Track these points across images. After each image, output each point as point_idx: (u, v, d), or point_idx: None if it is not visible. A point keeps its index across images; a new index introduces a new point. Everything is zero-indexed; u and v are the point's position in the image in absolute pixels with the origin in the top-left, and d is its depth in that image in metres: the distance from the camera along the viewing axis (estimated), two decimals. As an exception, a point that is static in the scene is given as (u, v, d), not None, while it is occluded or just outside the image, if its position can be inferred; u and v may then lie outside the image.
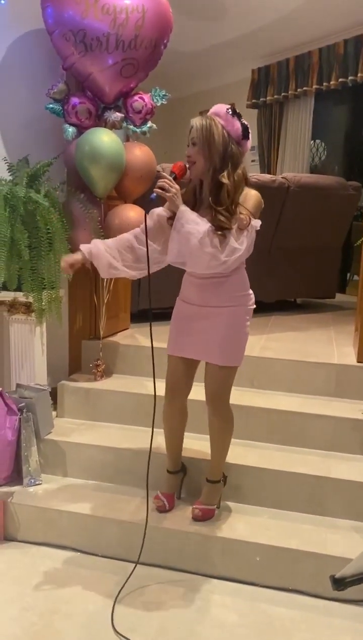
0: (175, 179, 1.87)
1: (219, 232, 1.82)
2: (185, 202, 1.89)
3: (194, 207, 1.92)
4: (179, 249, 1.85)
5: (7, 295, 2.50)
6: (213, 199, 1.87)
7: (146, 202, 2.02)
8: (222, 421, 2.10)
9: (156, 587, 1.95)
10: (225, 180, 1.86)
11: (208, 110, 1.93)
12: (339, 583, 0.98)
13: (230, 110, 1.89)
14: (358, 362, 2.76)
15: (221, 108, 1.91)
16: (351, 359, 2.82)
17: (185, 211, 1.84)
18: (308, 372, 2.76)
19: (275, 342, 3.18)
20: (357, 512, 2.16)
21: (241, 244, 1.85)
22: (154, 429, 2.01)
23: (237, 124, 1.89)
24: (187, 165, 1.91)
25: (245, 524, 2.12)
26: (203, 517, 2.12)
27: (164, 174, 1.84)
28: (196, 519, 2.11)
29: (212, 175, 1.88)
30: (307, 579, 1.96)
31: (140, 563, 2.03)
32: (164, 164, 2.97)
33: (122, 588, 1.92)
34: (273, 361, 2.79)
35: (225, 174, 1.87)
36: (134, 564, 1.98)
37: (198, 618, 1.83)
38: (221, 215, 1.84)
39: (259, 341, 3.15)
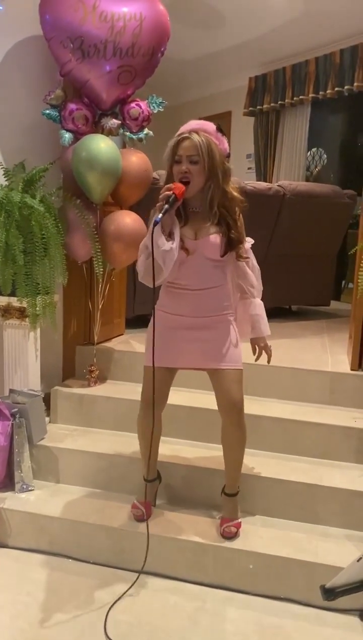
0: (175, 200, 1.79)
1: (245, 257, 1.99)
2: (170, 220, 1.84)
3: (181, 224, 1.89)
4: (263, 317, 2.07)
5: (1, 300, 2.50)
6: (224, 213, 1.90)
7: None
8: (242, 432, 2.03)
9: (148, 595, 1.94)
10: (236, 193, 1.92)
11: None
12: (330, 593, 0.98)
13: (217, 128, 1.90)
14: (351, 369, 2.77)
15: (209, 125, 1.90)
16: (345, 366, 2.83)
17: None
18: (302, 379, 2.76)
19: (269, 349, 3.18)
20: (349, 520, 2.16)
21: (254, 261, 2.05)
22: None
23: (225, 143, 1.92)
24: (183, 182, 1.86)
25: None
26: (238, 532, 2.08)
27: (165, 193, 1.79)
28: (231, 536, 2.06)
29: (214, 191, 1.88)
30: (299, 587, 1.96)
31: (132, 570, 2.03)
32: (160, 170, 2.98)
33: (118, 599, 1.91)
34: (267, 368, 2.77)
35: (230, 187, 1.92)
36: (125, 571, 1.98)
37: (189, 626, 1.82)
38: (234, 231, 1.90)
39: (254, 348, 3.14)
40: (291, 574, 1.97)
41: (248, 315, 2.06)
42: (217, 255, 1.92)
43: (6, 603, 1.91)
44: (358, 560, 1.02)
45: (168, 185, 1.81)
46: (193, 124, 1.91)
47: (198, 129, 1.87)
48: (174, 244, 1.81)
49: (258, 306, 2.07)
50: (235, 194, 1.93)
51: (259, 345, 2.10)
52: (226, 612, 1.90)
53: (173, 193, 1.78)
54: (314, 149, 6.29)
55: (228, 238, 1.90)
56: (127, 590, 1.94)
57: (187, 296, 1.97)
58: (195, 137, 1.84)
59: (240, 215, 1.95)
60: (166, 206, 1.76)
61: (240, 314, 2.09)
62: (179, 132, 1.90)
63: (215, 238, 1.90)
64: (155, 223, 1.75)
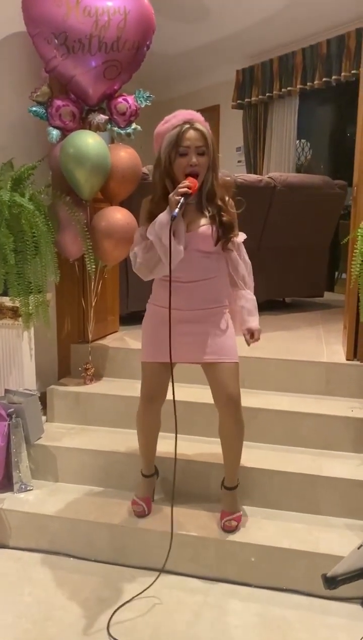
0: (190, 195, 1.76)
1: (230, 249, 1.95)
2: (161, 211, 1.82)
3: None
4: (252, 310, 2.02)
5: (-6, 300, 2.49)
6: (219, 201, 1.89)
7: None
8: (240, 426, 2.01)
9: (151, 590, 1.94)
10: (231, 181, 1.93)
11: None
12: (331, 582, 0.97)
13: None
14: (347, 359, 2.77)
15: (199, 115, 1.86)
16: (340, 357, 2.83)
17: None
18: (299, 370, 2.76)
19: (265, 341, 3.11)
20: (349, 509, 2.17)
21: (246, 256, 2.02)
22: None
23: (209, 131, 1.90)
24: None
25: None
26: (238, 526, 2.07)
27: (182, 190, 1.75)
28: (232, 529, 2.05)
29: (213, 182, 1.86)
30: (301, 578, 1.96)
31: (132, 567, 2.02)
32: (149, 165, 2.96)
33: (130, 600, 1.89)
34: (263, 361, 2.79)
35: (220, 175, 1.90)
36: (126, 568, 1.96)
37: (193, 621, 1.82)
38: (225, 215, 1.88)
39: (249, 341, 3.14)
40: (293, 565, 1.97)
41: (238, 307, 2.03)
42: (209, 247, 1.90)
43: (9, 603, 1.90)
44: (358, 548, 1.02)
45: (183, 182, 1.77)
46: (184, 113, 1.84)
47: (192, 118, 1.82)
48: (181, 247, 1.80)
49: (249, 300, 2.02)
50: (226, 178, 1.93)
51: (250, 332, 2.02)
52: (229, 605, 1.90)
53: (189, 189, 1.74)
54: (302, 141, 6.29)
55: (221, 224, 1.87)
56: (142, 592, 1.90)
57: (180, 289, 1.94)
58: (200, 126, 1.79)
59: (231, 200, 1.92)
60: (182, 200, 1.72)
61: (232, 307, 2.06)
62: (169, 122, 1.84)
63: (207, 229, 1.89)
64: (173, 218, 1.71)
